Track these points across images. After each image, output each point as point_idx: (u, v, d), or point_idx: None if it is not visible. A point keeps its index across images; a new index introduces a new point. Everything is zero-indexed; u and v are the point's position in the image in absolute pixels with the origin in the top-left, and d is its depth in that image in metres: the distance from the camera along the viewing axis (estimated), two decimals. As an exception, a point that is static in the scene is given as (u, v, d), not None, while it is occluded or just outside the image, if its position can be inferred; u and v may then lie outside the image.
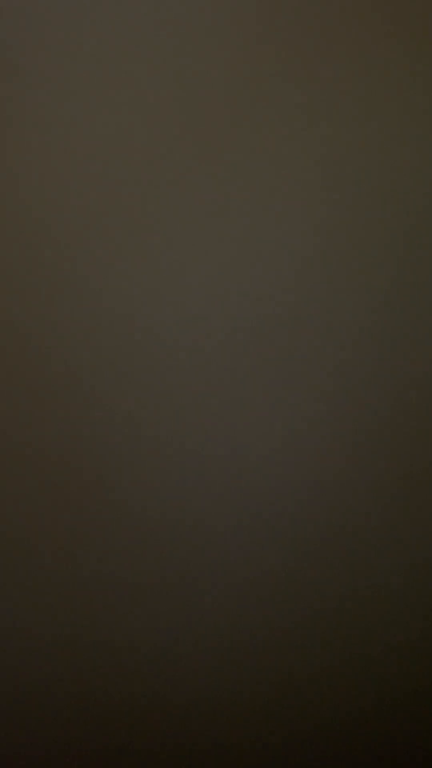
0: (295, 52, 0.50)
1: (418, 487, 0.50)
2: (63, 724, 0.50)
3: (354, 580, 0.50)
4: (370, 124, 0.50)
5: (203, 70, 0.50)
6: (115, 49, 0.49)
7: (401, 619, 0.51)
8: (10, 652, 0.49)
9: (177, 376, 0.49)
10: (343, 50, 0.50)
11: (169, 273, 0.49)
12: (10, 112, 0.49)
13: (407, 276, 0.51)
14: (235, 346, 0.50)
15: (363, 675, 0.50)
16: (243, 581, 0.50)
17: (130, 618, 0.49)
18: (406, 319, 0.50)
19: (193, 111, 0.50)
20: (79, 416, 0.49)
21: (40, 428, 0.49)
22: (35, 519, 0.49)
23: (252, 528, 0.50)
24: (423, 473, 0.50)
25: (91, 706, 0.50)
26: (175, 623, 0.50)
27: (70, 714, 0.50)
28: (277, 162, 0.50)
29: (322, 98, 0.50)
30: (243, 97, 0.50)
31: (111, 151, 0.49)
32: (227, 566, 0.50)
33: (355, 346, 0.50)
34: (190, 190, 0.49)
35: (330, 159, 0.50)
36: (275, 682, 0.50)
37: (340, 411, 0.50)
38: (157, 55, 0.50)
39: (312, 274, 0.50)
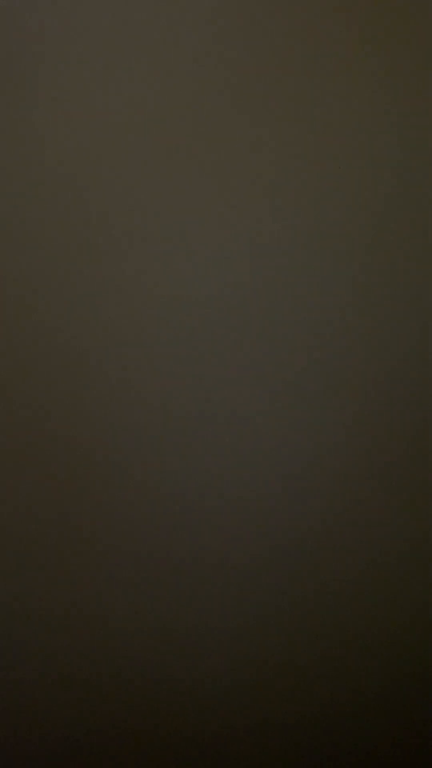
0: (295, 50, 0.50)
1: (417, 481, 0.51)
2: (62, 721, 0.50)
3: (353, 576, 0.50)
4: (370, 122, 0.50)
5: (203, 68, 0.49)
6: (115, 47, 0.49)
7: (401, 617, 0.51)
8: (9, 649, 0.49)
9: (176, 374, 0.49)
10: (343, 49, 0.50)
11: (169, 270, 0.49)
12: (10, 111, 0.49)
13: (406, 272, 0.51)
14: (235, 342, 0.49)
15: (362, 669, 0.51)
16: (243, 577, 0.50)
17: (129, 612, 0.49)
18: (406, 317, 0.50)
19: (193, 111, 0.49)
20: (79, 414, 0.49)
21: (40, 429, 0.49)
22: (35, 519, 0.49)
23: (251, 522, 0.50)
24: (421, 466, 0.50)
25: (90, 700, 0.50)
26: (175, 617, 0.50)
27: (70, 708, 0.50)
28: (277, 160, 0.50)
29: (322, 96, 0.50)
30: (243, 97, 0.50)
31: (111, 152, 0.49)
32: (227, 561, 0.50)
33: (354, 345, 0.50)
34: (190, 189, 0.49)
35: (330, 158, 0.50)
36: (275, 679, 0.50)
37: (339, 407, 0.50)
38: (157, 54, 0.49)
39: (312, 273, 0.50)
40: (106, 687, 0.50)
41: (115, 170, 0.49)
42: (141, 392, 0.49)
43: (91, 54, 0.49)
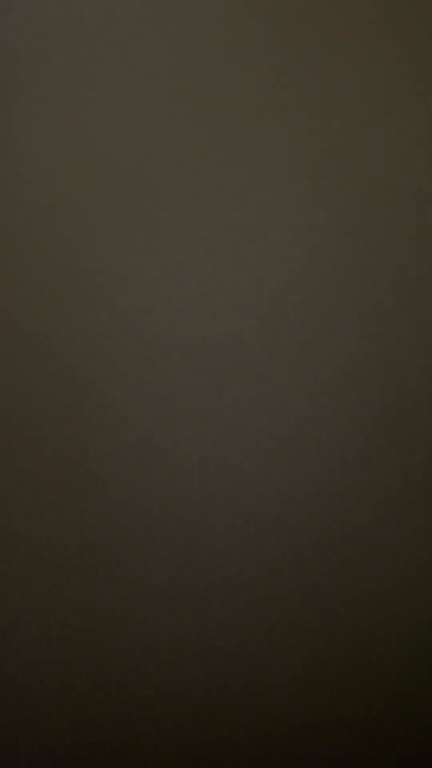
0: (295, 50, 0.50)
1: (418, 488, 0.51)
2: (61, 727, 0.50)
3: (353, 583, 0.50)
4: (371, 122, 0.50)
5: (203, 68, 0.50)
6: (115, 47, 0.49)
7: (401, 622, 0.51)
8: (9, 651, 0.49)
9: (176, 376, 0.49)
10: (343, 49, 0.50)
11: (168, 271, 0.49)
12: (11, 110, 0.49)
13: (407, 274, 0.51)
14: (234, 344, 0.50)
15: (363, 682, 0.51)
16: (243, 583, 0.50)
17: (129, 617, 0.49)
18: (407, 319, 0.51)
19: (193, 111, 0.50)
20: (78, 417, 0.49)
21: (39, 433, 0.49)
22: (35, 524, 0.49)
23: (252, 529, 0.50)
24: (423, 475, 0.50)
25: (90, 704, 0.50)
26: (176, 626, 0.50)
27: (70, 709, 0.50)
28: (278, 160, 0.50)
29: (322, 95, 0.50)
30: (243, 97, 0.50)
31: (110, 152, 0.49)
32: (227, 568, 0.50)
33: (355, 347, 0.50)
34: (190, 189, 0.50)
35: (330, 158, 0.50)
36: (275, 684, 0.50)
37: (340, 411, 0.50)
38: (157, 53, 0.50)
39: (312, 273, 0.50)
40: (106, 694, 0.50)
41: (114, 171, 0.49)
42: (141, 396, 0.49)
43: (91, 52, 0.49)
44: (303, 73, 0.50)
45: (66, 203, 0.49)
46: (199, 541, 0.49)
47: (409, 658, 0.51)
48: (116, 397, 0.49)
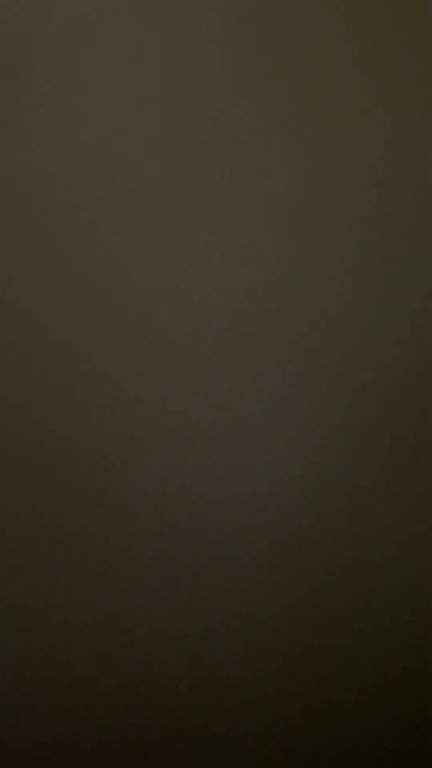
0: (296, 51, 0.50)
1: (418, 486, 0.51)
2: (61, 723, 0.50)
3: (355, 573, 0.50)
4: (372, 123, 0.50)
5: (203, 69, 0.50)
6: (115, 48, 0.50)
7: (403, 615, 0.51)
8: (8, 651, 0.49)
9: (176, 372, 0.49)
10: (343, 50, 0.50)
11: (169, 273, 0.49)
12: (9, 112, 0.49)
13: (409, 278, 0.51)
14: (236, 346, 0.50)
15: (364, 665, 0.51)
16: (244, 577, 0.50)
17: (129, 611, 0.50)
18: (409, 322, 0.51)
19: (193, 112, 0.50)
20: (78, 411, 0.49)
21: (38, 428, 0.49)
22: (34, 518, 0.49)
23: (252, 520, 0.50)
24: (422, 474, 0.51)
25: (89, 699, 0.50)
26: (175, 615, 0.50)
27: (69, 710, 0.50)
28: (278, 160, 0.50)
29: (323, 96, 0.50)
30: (243, 98, 0.50)
31: (110, 153, 0.49)
32: (227, 560, 0.50)
33: (357, 351, 0.50)
34: (190, 190, 0.50)
35: (331, 159, 0.50)
36: (277, 677, 0.50)
37: (342, 414, 0.50)
38: (157, 54, 0.50)
39: (312, 276, 0.50)
40: (106, 688, 0.50)
41: (114, 169, 0.50)
42: (140, 389, 0.49)
43: (90, 51, 0.49)
44: (303, 74, 0.50)
45: (66, 200, 0.49)
46: (198, 533, 0.50)
47: (413, 643, 0.51)
48: (115, 392, 0.49)
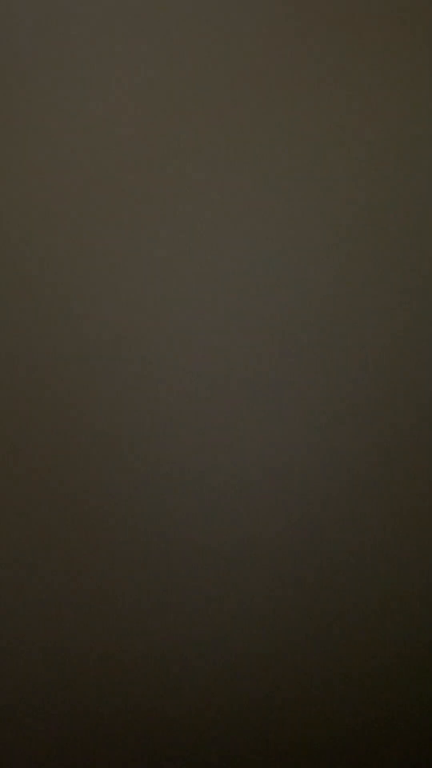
0: (296, 53, 0.50)
1: (418, 498, 0.51)
2: (60, 721, 0.50)
3: (357, 574, 0.50)
4: (373, 126, 0.50)
5: (204, 71, 0.50)
6: (115, 49, 0.50)
7: (406, 615, 0.51)
8: (7, 658, 0.49)
9: (177, 373, 0.49)
10: (344, 52, 0.50)
11: (168, 278, 0.50)
12: (7, 115, 0.49)
13: (412, 285, 0.51)
14: (235, 355, 0.50)
15: (366, 663, 0.51)
16: (242, 593, 0.50)
17: (128, 626, 0.50)
18: (411, 330, 0.51)
19: (194, 113, 0.50)
20: (79, 409, 0.49)
21: (40, 427, 0.49)
22: (36, 516, 0.49)
23: (251, 538, 0.50)
24: (423, 485, 0.51)
25: (88, 711, 0.50)
26: (176, 614, 0.50)
27: (69, 707, 0.50)
28: (278, 163, 0.50)
29: (323, 99, 0.50)
30: (244, 99, 0.50)
31: (110, 154, 0.49)
32: (230, 558, 0.50)
33: (358, 356, 0.50)
34: (191, 193, 0.50)
35: (332, 161, 0.50)
36: (277, 675, 0.50)
37: (343, 422, 0.50)
38: (157, 56, 0.50)
39: (314, 281, 0.50)
40: (106, 685, 0.50)
41: (114, 170, 0.50)
42: (141, 390, 0.49)
43: (90, 52, 0.49)
44: (304, 75, 0.50)
45: (64, 201, 0.49)
46: (199, 532, 0.50)
47: (417, 642, 0.51)
48: (116, 392, 0.49)
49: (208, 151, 0.50)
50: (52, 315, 0.49)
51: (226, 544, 0.50)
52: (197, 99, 0.50)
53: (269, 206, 0.50)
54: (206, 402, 0.50)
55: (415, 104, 0.51)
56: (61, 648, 0.50)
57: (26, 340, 0.49)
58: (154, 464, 0.49)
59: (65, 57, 0.49)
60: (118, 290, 0.49)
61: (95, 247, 0.49)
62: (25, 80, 0.49)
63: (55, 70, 0.49)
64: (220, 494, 0.50)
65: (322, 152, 0.50)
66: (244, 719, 0.50)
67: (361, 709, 0.51)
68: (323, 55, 0.50)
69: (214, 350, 0.50)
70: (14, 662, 0.49)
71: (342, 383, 0.50)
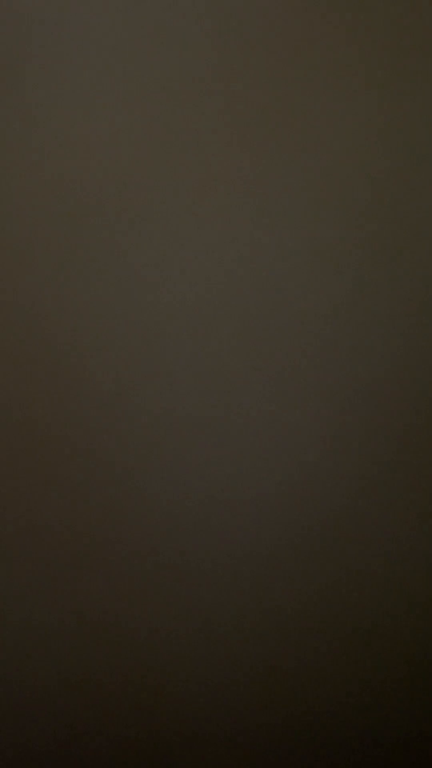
0: (297, 56, 0.50)
1: (417, 496, 0.51)
2: (61, 724, 0.50)
3: (355, 577, 0.50)
4: (372, 129, 0.50)
5: (204, 75, 0.49)
6: (115, 51, 0.49)
7: (404, 619, 0.51)
8: (9, 653, 0.49)
9: (176, 376, 0.49)
10: (344, 56, 0.50)
11: (168, 274, 0.49)
12: (9, 115, 0.49)
13: (411, 287, 0.50)
14: (234, 345, 0.49)
15: (364, 667, 0.51)
16: (244, 581, 0.50)
17: (130, 621, 0.49)
18: (410, 330, 0.50)
19: (194, 115, 0.49)
20: (80, 414, 0.49)
21: (41, 432, 0.49)
22: (36, 522, 0.49)
23: (252, 525, 0.50)
24: (423, 479, 0.50)
25: (89, 702, 0.50)
26: (176, 620, 0.50)
27: (69, 710, 0.50)
28: (278, 165, 0.50)
29: (324, 102, 0.50)
30: (244, 103, 0.50)
31: (110, 155, 0.49)
32: (228, 564, 0.50)
33: (357, 355, 0.50)
34: (191, 196, 0.49)
35: (331, 164, 0.50)
36: (275, 681, 0.50)
37: (341, 418, 0.50)
38: (158, 60, 0.49)
39: (312, 277, 0.50)
40: (107, 689, 0.50)
41: (113, 173, 0.49)
42: (141, 394, 0.49)
43: (91, 55, 0.49)
44: (305, 82, 0.50)
45: (65, 203, 0.49)
46: (199, 538, 0.49)
47: (414, 646, 0.51)
48: (116, 397, 0.49)
49: (209, 150, 0.49)
50: (52, 314, 0.49)
51: (226, 543, 0.50)
52: (198, 99, 0.50)
53: (269, 206, 0.50)
54: (207, 401, 0.49)
55: (415, 104, 0.51)
56: (62, 647, 0.49)
57: (26, 339, 0.49)
58: (153, 464, 0.49)
59: (66, 60, 0.49)
60: (118, 290, 0.49)
61: (95, 247, 0.49)
62: (25, 81, 0.49)
63: (56, 72, 0.49)
64: (220, 492, 0.50)
65: (322, 153, 0.50)
66: (244, 717, 0.50)
67: (361, 709, 0.51)
68: (323, 55, 0.50)
69: (214, 350, 0.49)
70: (15, 661, 0.49)
71: (345, 383, 0.50)
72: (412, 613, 0.50)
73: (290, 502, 0.50)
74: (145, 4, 0.49)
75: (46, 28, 0.49)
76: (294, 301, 0.50)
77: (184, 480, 0.49)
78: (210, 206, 0.49)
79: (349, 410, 0.50)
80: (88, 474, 0.49)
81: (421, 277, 0.50)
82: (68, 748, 0.50)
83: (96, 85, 0.49)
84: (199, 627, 0.50)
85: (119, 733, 0.50)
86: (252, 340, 0.50)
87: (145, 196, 0.49)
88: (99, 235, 0.49)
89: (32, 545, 0.49)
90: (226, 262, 0.49)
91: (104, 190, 0.49)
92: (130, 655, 0.50)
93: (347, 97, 0.50)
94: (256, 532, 0.50)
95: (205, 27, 0.49)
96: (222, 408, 0.49)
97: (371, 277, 0.50)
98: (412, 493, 0.50)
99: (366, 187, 0.50)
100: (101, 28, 0.49)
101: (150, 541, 0.49)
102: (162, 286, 0.49)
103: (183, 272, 0.49)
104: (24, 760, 0.50)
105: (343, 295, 0.50)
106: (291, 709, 0.50)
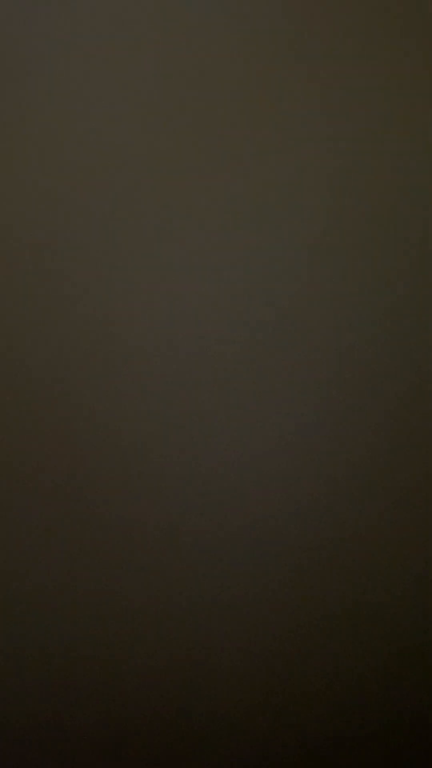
0: (298, 53, 0.50)
1: (417, 498, 0.51)
2: (61, 721, 0.50)
3: (354, 577, 0.50)
4: (373, 126, 0.50)
5: (206, 71, 0.49)
6: (115, 50, 0.49)
7: (402, 618, 0.51)
8: (10, 659, 0.49)
9: (176, 381, 0.49)
10: (345, 52, 0.50)
11: (169, 281, 0.49)
12: (9, 117, 0.49)
13: (410, 284, 0.51)
14: (234, 357, 0.50)
15: (363, 663, 0.51)
16: (243, 582, 0.50)
17: (128, 630, 0.49)
18: (410, 328, 0.50)
19: (195, 114, 0.49)
20: (76, 430, 0.49)
21: (39, 433, 0.49)
22: (35, 537, 0.49)
23: (251, 539, 0.50)
24: (422, 483, 0.51)
25: (89, 702, 0.50)
26: (175, 619, 0.50)
27: (69, 709, 0.50)
28: (278, 165, 0.50)
29: (324, 99, 0.50)
30: (244, 101, 0.50)
31: (110, 156, 0.49)
32: (228, 564, 0.50)
33: (356, 355, 0.50)
34: (191, 196, 0.49)
35: (331, 162, 0.50)
36: (275, 682, 0.50)
37: (340, 420, 0.50)
38: (158, 57, 0.49)
39: (313, 282, 0.50)
40: (106, 689, 0.50)
41: (114, 177, 0.49)
42: (141, 398, 0.49)
43: (93, 54, 0.49)
44: (306, 80, 0.50)
45: (66, 206, 0.49)
46: (198, 539, 0.49)
47: (411, 645, 0.51)
48: (116, 400, 0.49)
49: (209, 151, 0.49)
50: (52, 315, 0.49)
51: (226, 542, 0.50)
52: (197, 99, 0.50)
53: (269, 206, 0.50)
54: (206, 400, 0.49)
55: (415, 104, 0.51)
56: (61, 639, 0.49)
57: (27, 339, 0.49)
58: (153, 465, 0.49)
59: (66, 63, 0.49)
60: (118, 291, 0.49)
61: (95, 248, 0.49)
62: (25, 83, 0.49)
63: (56, 74, 0.49)
64: (220, 490, 0.50)
65: (321, 154, 0.50)
66: (244, 716, 0.50)
67: (360, 706, 0.51)
68: (323, 57, 0.50)
69: (214, 349, 0.49)
70: (15, 658, 0.49)
71: (345, 382, 0.50)
72: (411, 611, 0.51)
73: (290, 500, 0.50)
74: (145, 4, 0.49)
75: (45, 25, 0.49)
76: (293, 300, 0.50)
77: (182, 481, 0.49)
78: (209, 204, 0.49)
79: (350, 408, 0.50)
80: (85, 480, 0.49)
81: (421, 277, 0.50)
82: (63, 751, 0.50)
83: (96, 84, 0.49)
84: (198, 628, 0.50)
85: (117, 735, 0.50)
86: (251, 340, 0.50)
87: (144, 195, 0.49)
88: (97, 233, 0.49)
89: (32, 549, 0.49)
90: (224, 260, 0.49)
91: (104, 190, 0.49)
92: (129, 661, 0.50)
93: (347, 96, 0.50)
94: (256, 532, 0.50)
95: (205, 26, 0.49)
96: (221, 405, 0.49)
97: (372, 275, 0.50)
98: (412, 485, 0.50)
99: (367, 185, 0.50)
100: (101, 27, 0.49)
101: (150, 540, 0.49)
102: (160, 284, 0.49)
103: (181, 271, 0.49)
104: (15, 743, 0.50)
105: (344, 295, 0.50)
106: (288, 704, 0.50)
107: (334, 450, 0.50)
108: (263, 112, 0.50)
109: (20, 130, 0.49)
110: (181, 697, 0.50)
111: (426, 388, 0.51)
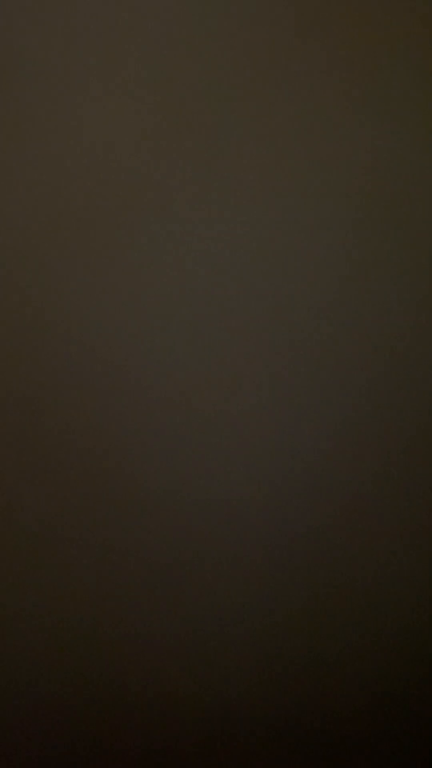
0: (297, 51, 0.50)
1: (419, 481, 0.51)
2: (60, 729, 0.50)
3: (354, 577, 0.50)
4: (373, 124, 0.50)
5: (204, 69, 0.49)
6: (115, 49, 0.49)
7: (403, 619, 0.51)
8: (9, 649, 0.49)
9: (177, 373, 0.49)
10: (345, 50, 0.50)
11: (169, 279, 0.49)
12: (8, 117, 0.49)
13: (410, 283, 0.51)
14: (235, 340, 0.50)
15: (363, 669, 0.51)
16: (243, 583, 0.50)
17: (129, 630, 0.49)
18: (410, 327, 0.50)
19: (195, 114, 0.49)
20: (79, 412, 0.49)
21: (39, 429, 0.49)
22: (35, 521, 0.49)
23: (251, 525, 0.50)
24: (424, 466, 0.51)
25: (90, 703, 0.50)
26: (175, 623, 0.50)
27: (69, 706, 0.50)
28: (278, 165, 0.50)
29: (324, 98, 0.50)
30: (245, 101, 0.50)
31: (110, 156, 0.49)
32: (227, 565, 0.50)
33: (357, 342, 0.50)
34: (191, 196, 0.49)
35: (332, 161, 0.50)
36: (277, 684, 0.50)
37: (342, 418, 0.50)
38: (158, 55, 0.49)
39: (313, 282, 0.50)
40: (106, 695, 0.50)
41: (116, 170, 0.49)
42: (141, 391, 0.49)
43: (92, 53, 0.49)
44: (305, 78, 0.50)
45: (65, 204, 0.49)
46: (198, 539, 0.50)
47: (412, 647, 0.51)
48: (116, 394, 0.49)
49: (209, 151, 0.49)
50: (52, 315, 0.49)
51: (226, 541, 0.50)
52: (198, 99, 0.50)
53: (269, 206, 0.50)
54: (207, 396, 0.50)
55: (415, 104, 0.51)
56: (62, 636, 0.50)
57: (27, 341, 0.49)
58: (153, 465, 0.49)
59: (67, 64, 0.49)
60: (118, 291, 0.49)
61: (95, 249, 0.49)
62: (25, 85, 0.49)
63: (56, 73, 0.49)
64: (220, 490, 0.50)
65: (322, 153, 0.50)
66: (243, 714, 0.50)
67: (361, 703, 0.51)
68: (323, 57, 0.50)
69: (214, 349, 0.49)
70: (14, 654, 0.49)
71: (345, 381, 0.50)
72: (413, 612, 0.51)
73: (290, 500, 0.50)
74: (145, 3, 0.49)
75: (44, 23, 0.49)
76: (295, 297, 0.50)
77: (183, 479, 0.49)
78: (210, 201, 0.49)
79: (349, 406, 0.50)
80: (85, 469, 0.49)
81: (421, 275, 0.50)
82: (63, 757, 0.50)
83: (95, 84, 0.49)
84: (198, 629, 0.50)
85: (117, 742, 0.50)
86: (253, 335, 0.50)
87: (145, 193, 0.49)
88: (99, 228, 0.49)
89: (32, 548, 0.49)
90: (227, 254, 0.49)
91: (103, 188, 0.49)
92: (129, 657, 0.50)
93: (347, 96, 0.50)
94: (256, 531, 0.50)
95: (204, 25, 0.49)
96: (222, 401, 0.49)
97: (373, 274, 0.50)
98: (413, 489, 0.50)
99: (367, 183, 0.50)
100: (100, 26, 0.49)
101: (149, 539, 0.49)
102: (162, 279, 0.49)
103: (184, 265, 0.49)
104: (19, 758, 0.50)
105: (344, 295, 0.50)
106: (291, 707, 0.50)
107: (334, 446, 0.50)
108: (263, 111, 0.50)
109: (20, 130, 0.49)
110: (182, 697, 0.50)
111: (426, 389, 0.51)
